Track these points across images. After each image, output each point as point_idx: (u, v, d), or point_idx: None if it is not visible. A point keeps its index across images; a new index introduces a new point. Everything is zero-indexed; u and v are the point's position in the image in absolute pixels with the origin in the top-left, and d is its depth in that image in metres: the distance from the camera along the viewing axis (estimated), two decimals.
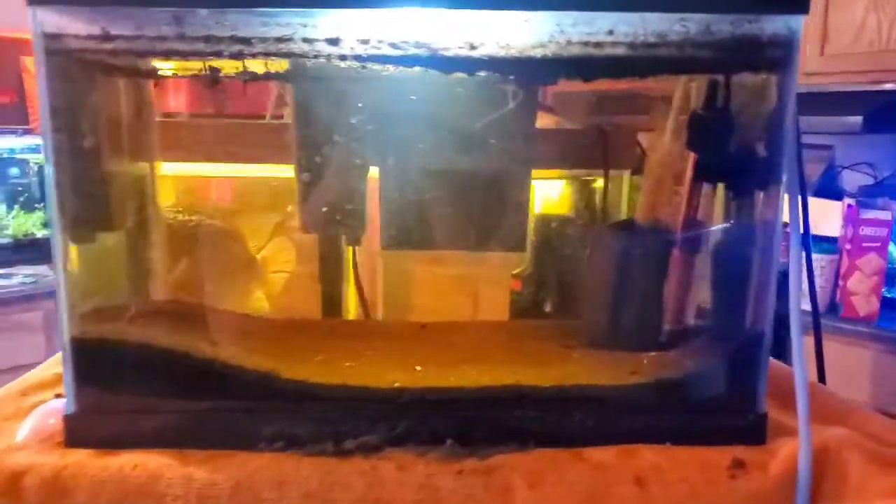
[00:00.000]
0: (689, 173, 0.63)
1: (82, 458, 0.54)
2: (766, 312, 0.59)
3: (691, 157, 0.63)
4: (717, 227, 0.63)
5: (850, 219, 1.96)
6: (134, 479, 0.52)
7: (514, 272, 1.14)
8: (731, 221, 0.62)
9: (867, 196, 2.02)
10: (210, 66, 0.66)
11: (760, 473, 0.54)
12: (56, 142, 0.54)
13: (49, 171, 0.54)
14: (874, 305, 1.95)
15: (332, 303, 0.85)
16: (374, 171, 0.82)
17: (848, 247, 1.96)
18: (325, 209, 0.88)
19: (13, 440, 0.57)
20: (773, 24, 0.55)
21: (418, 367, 0.61)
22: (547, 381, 0.60)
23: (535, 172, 0.87)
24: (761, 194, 0.60)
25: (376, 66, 0.58)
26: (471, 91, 0.74)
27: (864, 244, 1.95)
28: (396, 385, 0.59)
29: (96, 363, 0.58)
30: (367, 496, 0.52)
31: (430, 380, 0.60)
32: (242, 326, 0.71)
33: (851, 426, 0.59)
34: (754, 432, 0.59)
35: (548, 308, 1.00)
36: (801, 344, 0.55)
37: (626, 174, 0.88)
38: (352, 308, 0.85)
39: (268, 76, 0.70)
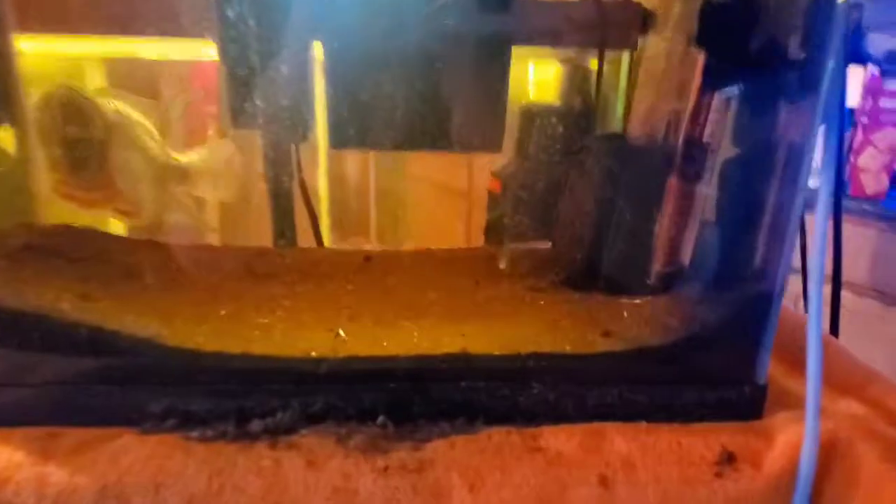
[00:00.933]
0: (696, 78, 0.48)
1: None
2: (781, 263, 0.46)
3: (700, 57, 0.48)
4: (729, 150, 0.48)
5: (871, 89, 1.78)
6: None
7: (494, 170, 1.00)
8: (747, 144, 0.48)
9: (893, 63, 1.83)
10: None
11: (752, 471, 0.44)
12: None
13: None
14: (883, 184, 1.83)
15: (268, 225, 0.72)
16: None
17: (865, 120, 1.80)
18: (258, 100, 0.73)
19: None
20: None
21: (341, 332, 0.49)
22: (500, 346, 0.49)
23: (518, 54, 0.71)
24: (788, 110, 0.45)
25: None
26: None
27: (882, 117, 1.79)
28: (313, 354, 0.48)
29: None
30: (266, 501, 0.42)
31: (356, 346, 0.49)
32: (135, 264, 0.58)
33: (868, 400, 0.49)
34: (749, 407, 0.49)
35: (526, 225, 0.88)
36: (819, 310, 0.43)
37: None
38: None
39: None
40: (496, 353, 0.48)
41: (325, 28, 0.69)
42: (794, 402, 0.49)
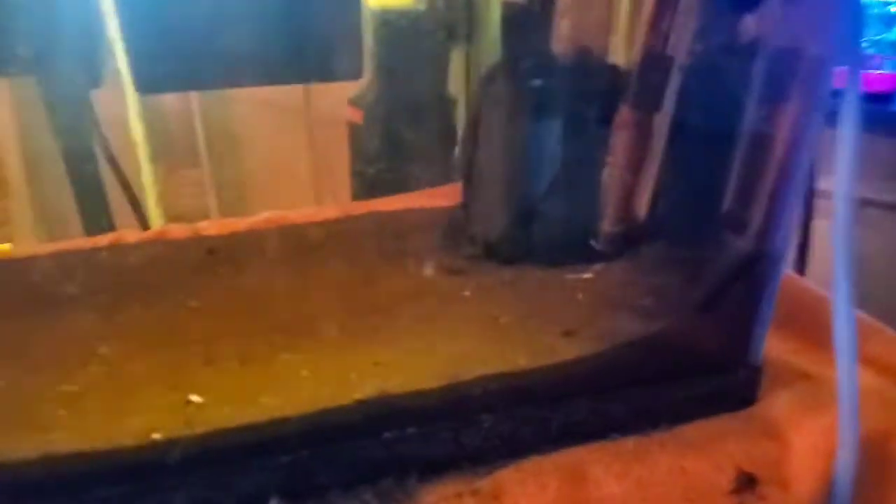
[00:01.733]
0: None
1: None
2: (782, 216, 0.35)
3: None
4: (710, 61, 0.36)
5: None
6: None
7: (351, 96, 0.82)
8: (726, 54, 0.35)
9: None
10: None
11: (780, 493, 0.34)
12: None
13: None
14: None
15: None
16: None
17: None
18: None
19: None
20: None
21: (194, 398, 0.33)
22: (430, 374, 0.35)
23: None
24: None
25: None
26: None
27: None
28: (155, 437, 0.31)
29: None
30: None
31: (220, 411, 0.33)
32: None
33: (871, 355, 0.41)
34: (743, 393, 0.39)
35: (399, 154, 0.72)
36: (848, 273, 0.33)
37: None
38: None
39: None
40: (427, 386, 0.34)
41: None
42: (787, 375, 0.40)
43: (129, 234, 0.57)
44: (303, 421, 0.33)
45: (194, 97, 0.96)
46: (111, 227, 0.74)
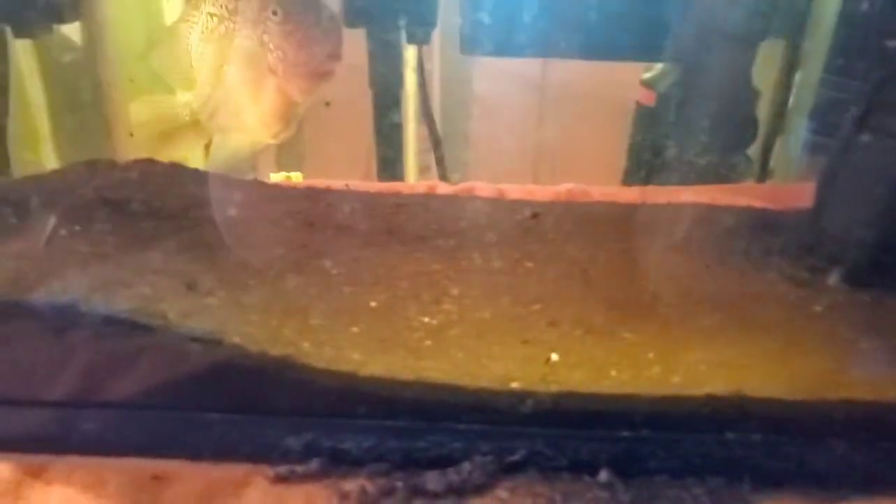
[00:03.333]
0: None
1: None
2: None
3: None
4: None
5: None
6: None
7: (644, 77, 0.80)
8: None
9: None
10: None
11: None
12: None
13: None
14: None
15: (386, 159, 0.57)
16: None
17: None
18: None
19: None
20: None
21: (554, 356, 0.34)
22: (787, 384, 0.33)
23: None
24: None
25: None
26: None
27: None
28: (514, 386, 0.33)
29: None
30: None
31: (570, 375, 0.34)
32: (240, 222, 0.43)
33: None
34: None
35: (696, 150, 0.69)
36: None
37: None
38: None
39: None
40: (779, 395, 0.33)
41: None
42: None
43: (441, 185, 0.60)
44: (649, 402, 0.33)
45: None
46: (401, 176, 0.80)
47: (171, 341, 0.33)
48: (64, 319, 0.33)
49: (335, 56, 0.36)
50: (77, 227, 0.39)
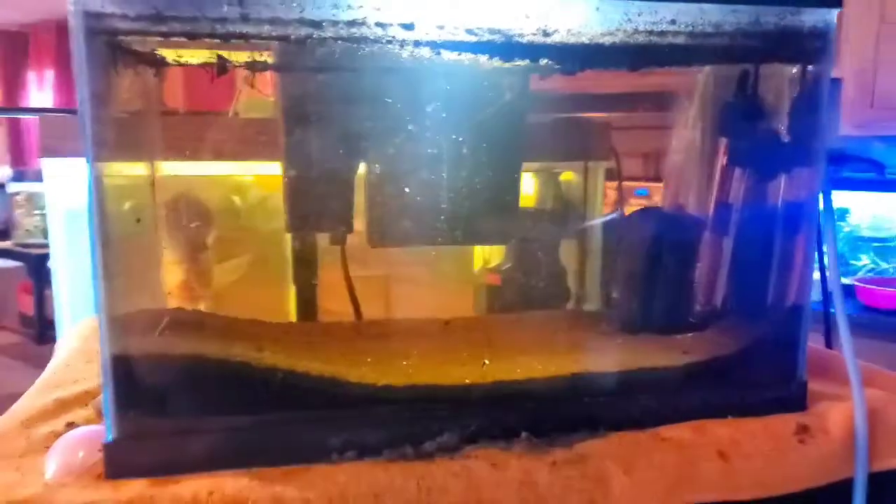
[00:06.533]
0: (721, 159, 0.66)
1: (143, 490, 0.48)
2: (806, 287, 0.63)
3: (722, 143, 0.66)
4: (755, 207, 0.66)
5: None
6: None
7: (492, 266, 1.14)
8: (770, 203, 0.66)
9: None
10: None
11: (824, 436, 0.57)
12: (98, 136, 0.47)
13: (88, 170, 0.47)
14: None
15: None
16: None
17: None
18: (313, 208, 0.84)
19: (44, 478, 0.50)
20: (812, 17, 0.58)
21: (486, 361, 0.59)
22: (611, 367, 0.61)
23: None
24: (794, 175, 0.64)
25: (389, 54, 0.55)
26: (467, 82, 0.73)
27: None
28: (466, 381, 0.57)
29: (140, 382, 0.52)
30: (468, 498, 0.50)
31: (497, 374, 0.59)
32: (267, 333, 0.65)
33: (879, 387, 0.64)
34: (797, 400, 0.63)
35: (534, 300, 1.01)
36: (843, 310, 0.59)
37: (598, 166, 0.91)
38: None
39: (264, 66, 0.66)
40: (611, 369, 0.60)
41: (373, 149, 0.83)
42: (825, 398, 0.64)
43: None
44: (540, 385, 0.59)
45: None
46: None
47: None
48: None
49: None
50: None
